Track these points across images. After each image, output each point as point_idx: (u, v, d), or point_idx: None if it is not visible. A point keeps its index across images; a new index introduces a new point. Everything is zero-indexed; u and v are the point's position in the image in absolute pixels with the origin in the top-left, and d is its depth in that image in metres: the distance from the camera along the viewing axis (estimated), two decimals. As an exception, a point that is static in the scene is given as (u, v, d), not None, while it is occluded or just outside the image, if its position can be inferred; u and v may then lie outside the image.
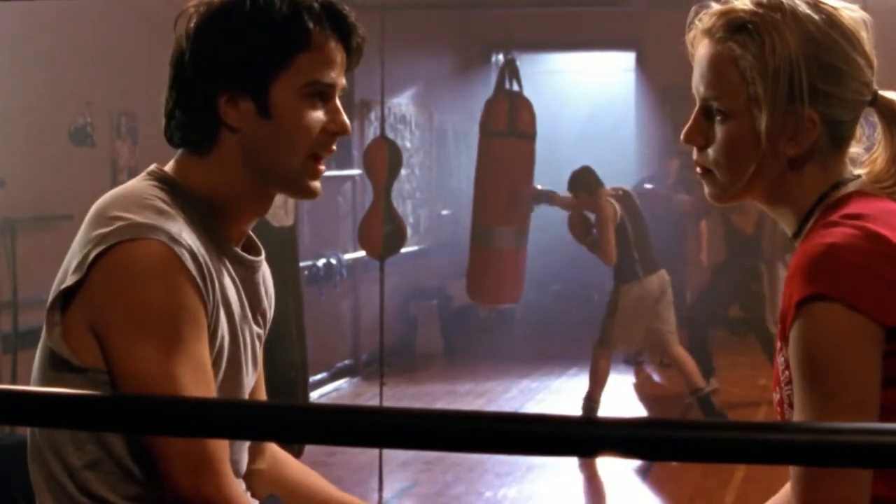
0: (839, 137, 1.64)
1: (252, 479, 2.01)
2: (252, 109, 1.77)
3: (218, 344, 1.76)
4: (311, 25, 1.76)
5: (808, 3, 1.62)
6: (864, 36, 1.63)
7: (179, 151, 1.84)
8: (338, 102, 1.82)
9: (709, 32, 1.65)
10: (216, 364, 1.76)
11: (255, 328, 1.89)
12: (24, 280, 5.16)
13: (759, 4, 1.62)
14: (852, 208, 1.59)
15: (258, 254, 1.92)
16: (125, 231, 1.68)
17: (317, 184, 1.83)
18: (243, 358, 1.84)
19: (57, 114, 5.58)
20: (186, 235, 1.72)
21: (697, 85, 1.67)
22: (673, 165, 9.68)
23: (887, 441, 0.88)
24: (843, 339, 1.49)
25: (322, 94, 1.79)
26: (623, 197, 7.15)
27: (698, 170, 1.70)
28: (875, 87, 1.64)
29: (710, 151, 1.66)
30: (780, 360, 1.60)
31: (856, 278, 1.51)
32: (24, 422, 1.16)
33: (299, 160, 1.79)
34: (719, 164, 1.65)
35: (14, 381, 5.04)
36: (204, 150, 1.80)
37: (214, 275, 1.75)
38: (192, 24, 1.78)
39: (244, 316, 1.85)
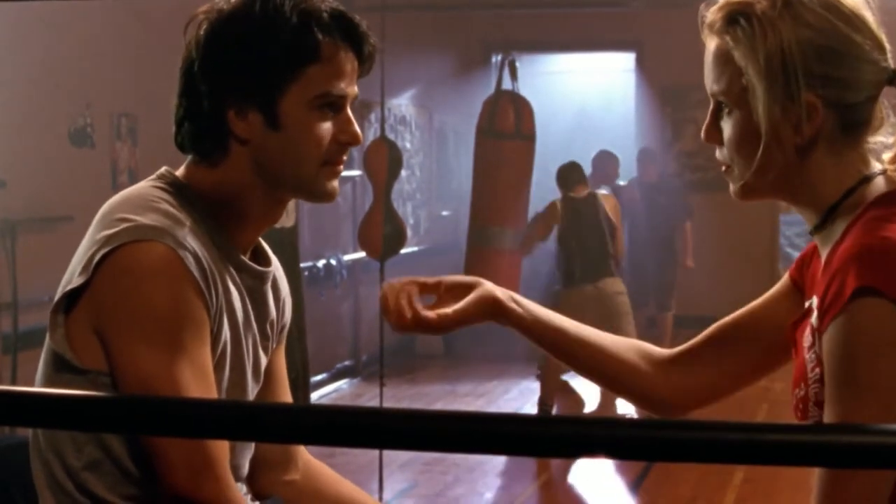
0: (851, 122, 1.58)
1: (287, 490, 2.01)
2: (261, 122, 1.75)
3: (220, 349, 1.75)
4: (320, 37, 1.74)
5: None
6: (868, 16, 1.59)
7: (190, 156, 1.83)
8: (349, 112, 1.79)
9: (711, 27, 1.64)
10: (219, 369, 1.75)
11: (261, 339, 1.88)
12: (24, 281, 5.16)
13: None
14: None
15: (267, 264, 1.90)
16: (130, 233, 1.68)
17: (334, 184, 1.81)
18: (246, 366, 1.84)
19: (57, 115, 5.58)
20: (191, 239, 1.71)
21: (706, 81, 1.65)
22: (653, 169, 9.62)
23: None
24: (886, 338, 1.43)
25: (333, 105, 1.77)
26: (564, 202, 7.21)
27: (723, 168, 1.67)
28: (891, 65, 1.59)
29: (725, 147, 1.64)
30: (809, 355, 1.54)
31: None
32: (23, 423, 1.16)
33: (311, 170, 1.77)
34: (733, 159, 1.63)
35: (14, 382, 5.04)
36: (214, 160, 1.79)
37: (219, 280, 1.74)
38: (201, 33, 1.76)
39: (248, 325, 1.83)
